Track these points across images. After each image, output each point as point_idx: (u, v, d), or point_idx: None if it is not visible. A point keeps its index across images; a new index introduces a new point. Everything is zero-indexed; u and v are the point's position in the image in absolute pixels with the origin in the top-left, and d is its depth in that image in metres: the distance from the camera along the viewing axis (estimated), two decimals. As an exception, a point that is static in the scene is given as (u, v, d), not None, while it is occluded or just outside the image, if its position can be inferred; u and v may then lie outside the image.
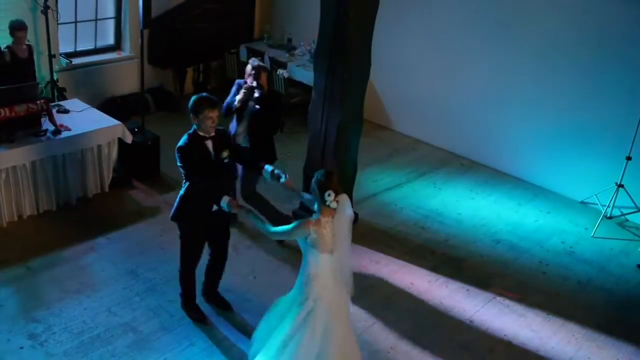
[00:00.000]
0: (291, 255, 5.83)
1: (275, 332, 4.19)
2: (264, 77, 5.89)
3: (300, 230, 3.98)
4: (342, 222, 3.98)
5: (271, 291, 5.42)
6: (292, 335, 4.08)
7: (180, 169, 4.59)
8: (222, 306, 5.22)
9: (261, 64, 6.05)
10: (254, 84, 5.82)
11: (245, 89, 5.84)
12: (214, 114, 4.50)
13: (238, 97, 5.84)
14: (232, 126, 6.00)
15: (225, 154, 4.65)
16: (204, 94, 4.67)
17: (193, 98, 4.54)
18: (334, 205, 3.92)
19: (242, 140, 5.89)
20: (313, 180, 3.98)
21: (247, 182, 5.99)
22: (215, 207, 4.51)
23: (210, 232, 4.87)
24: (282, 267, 5.81)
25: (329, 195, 3.90)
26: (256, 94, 5.79)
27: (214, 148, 4.59)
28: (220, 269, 5.17)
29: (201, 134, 4.55)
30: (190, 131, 4.57)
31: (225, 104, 5.95)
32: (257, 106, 5.77)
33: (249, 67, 5.90)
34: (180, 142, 4.55)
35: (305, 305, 4.06)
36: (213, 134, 4.58)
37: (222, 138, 4.69)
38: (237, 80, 6.09)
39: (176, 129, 8.30)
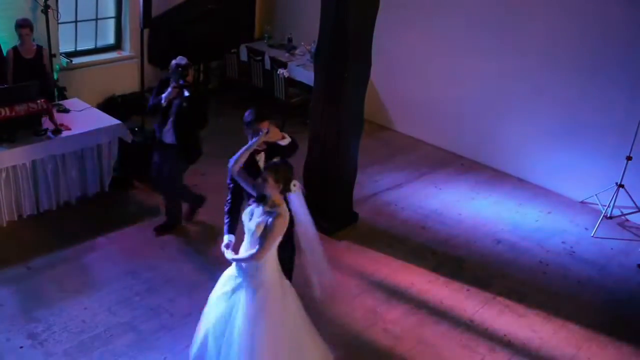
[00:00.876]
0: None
1: (229, 332, 4.11)
2: (190, 74, 5.80)
3: (282, 228, 3.99)
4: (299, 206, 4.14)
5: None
6: (255, 329, 4.04)
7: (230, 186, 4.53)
8: None
9: (188, 61, 5.85)
10: (181, 82, 5.69)
11: (173, 88, 5.68)
12: (265, 126, 4.38)
13: (165, 96, 5.70)
14: (156, 123, 5.95)
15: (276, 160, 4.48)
16: (254, 107, 4.52)
17: (248, 111, 4.46)
18: (297, 191, 4.07)
19: (169, 137, 5.83)
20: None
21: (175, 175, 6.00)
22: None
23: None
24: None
25: (294, 184, 4.02)
26: (186, 93, 5.68)
27: (265, 160, 4.50)
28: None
29: (255, 146, 4.44)
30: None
31: (150, 103, 5.87)
32: (184, 104, 5.69)
33: (173, 64, 5.76)
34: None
35: (259, 292, 4.06)
36: (265, 147, 4.49)
37: (273, 148, 4.54)
38: (162, 78, 5.96)
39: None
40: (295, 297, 4.26)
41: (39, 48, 6.77)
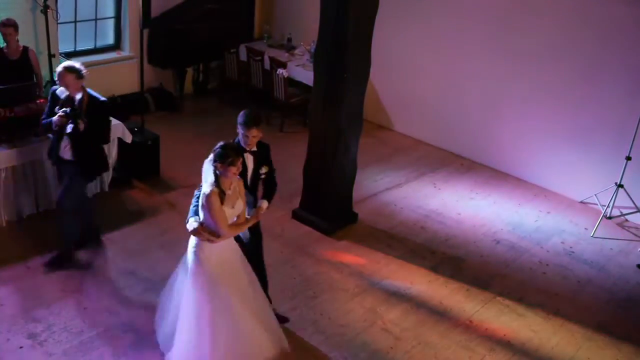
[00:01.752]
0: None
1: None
2: (70, 80, 5.13)
3: None
4: None
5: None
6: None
7: None
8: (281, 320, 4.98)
9: (68, 65, 5.18)
10: (67, 110, 5.17)
11: (59, 117, 5.17)
12: (251, 133, 4.49)
13: (54, 122, 5.20)
14: (52, 138, 5.49)
15: (264, 169, 4.67)
16: (251, 110, 4.56)
17: (243, 111, 4.52)
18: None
19: (67, 154, 5.36)
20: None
21: (76, 190, 5.50)
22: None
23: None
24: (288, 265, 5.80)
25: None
26: (68, 129, 5.19)
27: (254, 162, 4.63)
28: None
29: (242, 145, 4.55)
30: (235, 141, 4.57)
31: (43, 122, 5.37)
32: (71, 125, 5.17)
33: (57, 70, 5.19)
34: None
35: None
36: (254, 148, 4.60)
37: (264, 153, 4.70)
38: (52, 88, 5.42)
39: (176, 129, 8.38)
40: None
41: (25, 49, 6.63)
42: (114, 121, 6.67)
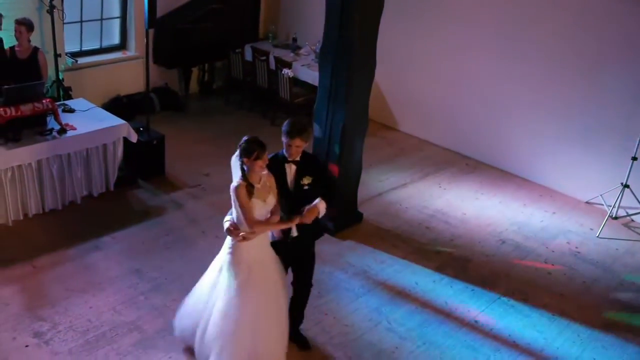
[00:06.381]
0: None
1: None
2: None
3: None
4: None
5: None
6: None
7: None
8: (302, 346, 4.91)
9: None
10: None
11: None
12: (294, 142, 4.29)
13: None
14: None
15: (305, 180, 4.41)
16: (296, 119, 4.40)
17: (288, 120, 4.37)
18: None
19: None
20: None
21: None
22: (291, 235, 4.40)
23: (288, 261, 4.54)
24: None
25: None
26: None
27: (296, 172, 4.40)
28: (299, 304, 4.78)
29: (285, 155, 4.39)
30: (280, 151, 4.42)
31: None
32: None
33: None
34: None
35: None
36: (297, 158, 4.39)
37: (309, 163, 4.48)
38: None
39: (181, 128, 8.40)
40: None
41: (35, 49, 6.67)
42: (119, 120, 6.70)
